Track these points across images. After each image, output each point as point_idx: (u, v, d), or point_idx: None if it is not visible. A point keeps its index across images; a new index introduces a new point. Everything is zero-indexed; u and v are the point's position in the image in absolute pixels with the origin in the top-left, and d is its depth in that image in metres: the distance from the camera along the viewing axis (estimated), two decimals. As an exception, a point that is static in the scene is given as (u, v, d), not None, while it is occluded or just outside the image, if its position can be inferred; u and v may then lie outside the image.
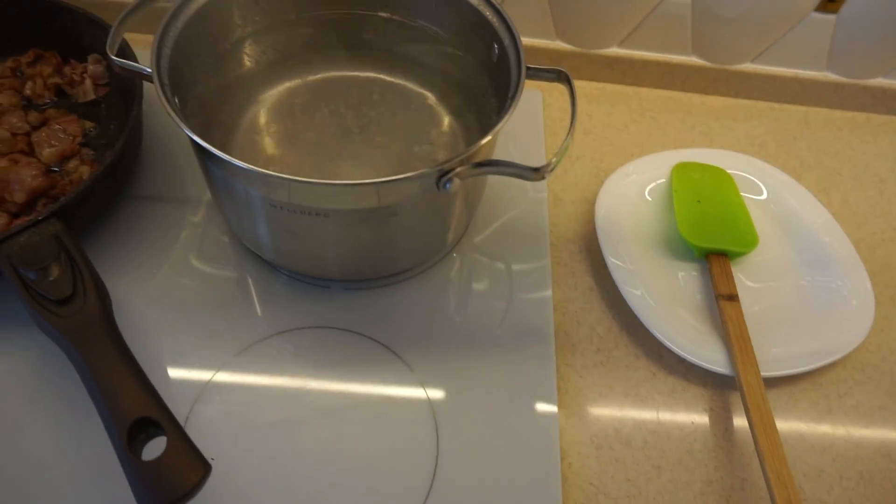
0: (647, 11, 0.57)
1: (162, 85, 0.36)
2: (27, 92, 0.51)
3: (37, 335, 0.36)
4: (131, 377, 0.33)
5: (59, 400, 0.39)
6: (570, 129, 0.39)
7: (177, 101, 0.38)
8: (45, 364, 0.40)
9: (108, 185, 0.45)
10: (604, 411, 0.43)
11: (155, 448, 0.31)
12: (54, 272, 0.36)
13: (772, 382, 0.45)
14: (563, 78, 0.41)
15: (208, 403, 0.40)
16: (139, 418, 0.31)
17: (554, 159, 0.37)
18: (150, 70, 0.37)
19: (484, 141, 0.36)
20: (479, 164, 0.37)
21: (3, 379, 0.40)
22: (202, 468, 0.30)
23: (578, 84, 0.57)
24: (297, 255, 0.43)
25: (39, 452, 0.38)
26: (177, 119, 0.35)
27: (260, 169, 0.34)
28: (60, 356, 0.35)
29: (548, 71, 0.41)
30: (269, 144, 0.47)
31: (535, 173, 0.37)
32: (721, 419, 0.43)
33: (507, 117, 0.37)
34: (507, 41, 0.42)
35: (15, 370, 0.40)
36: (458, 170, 0.36)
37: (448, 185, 0.37)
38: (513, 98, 0.39)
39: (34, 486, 0.36)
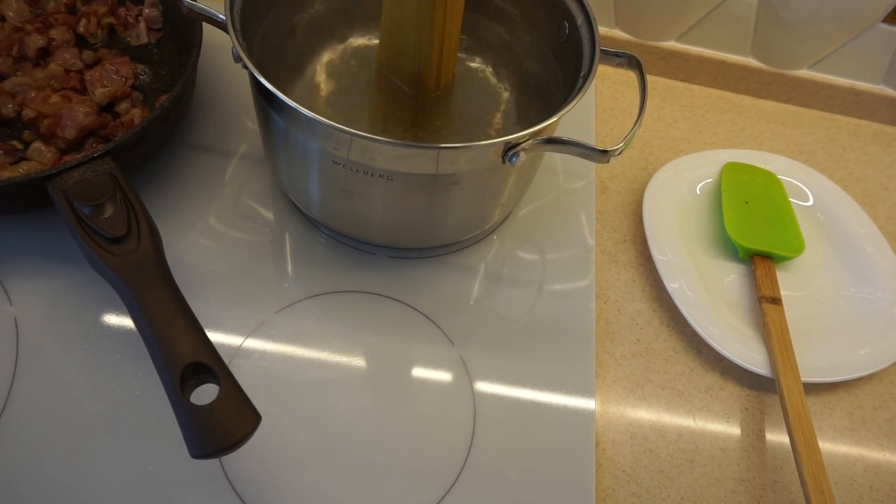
0: (711, 8, 0.57)
1: (235, 31, 0.36)
2: (80, 29, 0.50)
3: (88, 273, 0.36)
4: (185, 321, 0.32)
5: (109, 341, 0.39)
6: (638, 117, 0.39)
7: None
8: (95, 303, 0.40)
9: (161, 129, 0.44)
10: (640, 402, 0.43)
11: (204, 395, 0.31)
12: (108, 209, 0.36)
13: (808, 388, 0.45)
14: (633, 64, 0.41)
15: (246, 358, 0.40)
16: (192, 363, 0.31)
17: (622, 144, 0.37)
18: (223, 17, 0.36)
19: (556, 117, 0.36)
20: (548, 141, 0.36)
21: (53, 317, 0.40)
22: (254, 417, 0.30)
23: (630, 75, 0.56)
24: (348, 216, 0.42)
25: (87, 395, 0.37)
26: (250, 66, 0.34)
27: (326, 121, 0.33)
28: (110, 295, 0.35)
29: (619, 55, 0.41)
30: (322, 103, 0.47)
31: (602, 155, 0.37)
32: (756, 420, 0.43)
33: (579, 97, 0.37)
34: (580, 20, 0.41)
35: (65, 308, 0.40)
36: (526, 144, 0.36)
37: (514, 159, 0.36)
38: (585, 78, 0.38)
39: (84, 427, 0.36)
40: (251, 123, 0.51)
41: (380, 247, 0.46)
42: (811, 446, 0.39)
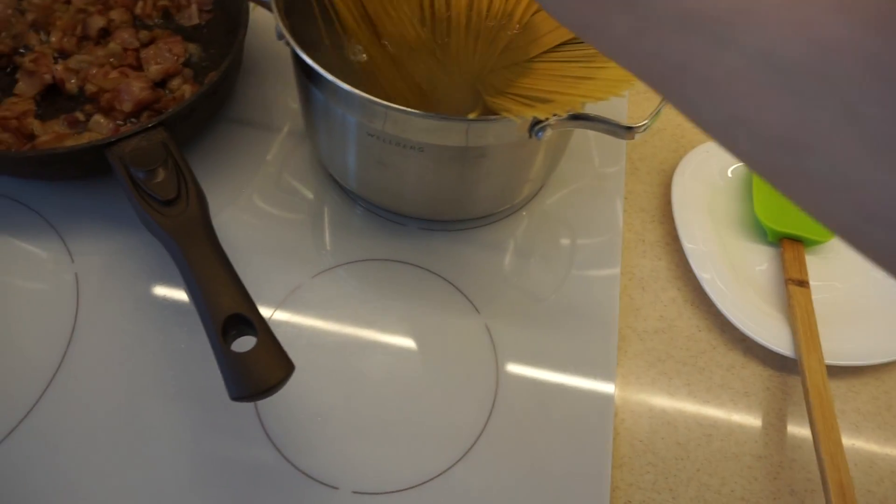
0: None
1: (279, 10, 0.38)
2: (137, 11, 0.54)
3: (142, 236, 0.39)
4: (227, 277, 0.35)
5: (159, 297, 0.42)
6: (665, 93, 0.39)
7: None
8: (148, 263, 0.43)
9: (209, 104, 0.47)
10: (660, 376, 0.44)
11: (243, 345, 0.33)
12: (161, 175, 0.39)
13: (833, 371, 0.44)
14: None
15: (283, 318, 0.42)
16: (232, 314, 0.33)
17: (647, 121, 0.38)
18: (268, -5, 0.39)
19: (582, 93, 0.37)
20: (575, 117, 0.38)
21: (110, 275, 0.43)
22: (288, 365, 0.32)
23: (667, 57, 0.56)
24: (382, 188, 0.44)
25: (139, 345, 0.41)
26: (292, 42, 0.36)
27: (363, 94, 0.35)
28: (162, 257, 0.38)
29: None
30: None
31: (628, 132, 0.38)
32: (777, 399, 0.43)
33: (607, 72, 0.38)
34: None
35: (121, 267, 0.44)
36: (553, 120, 0.37)
37: (540, 134, 0.38)
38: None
39: (135, 375, 0.40)
40: (293, 102, 0.54)
41: (412, 218, 0.48)
42: (830, 425, 0.39)
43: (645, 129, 0.37)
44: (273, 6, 0.38)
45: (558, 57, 0.43)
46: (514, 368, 0.42)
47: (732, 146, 0.20)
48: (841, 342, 0.44)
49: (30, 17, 0.51)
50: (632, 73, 0.22)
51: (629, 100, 0.57)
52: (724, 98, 0.19)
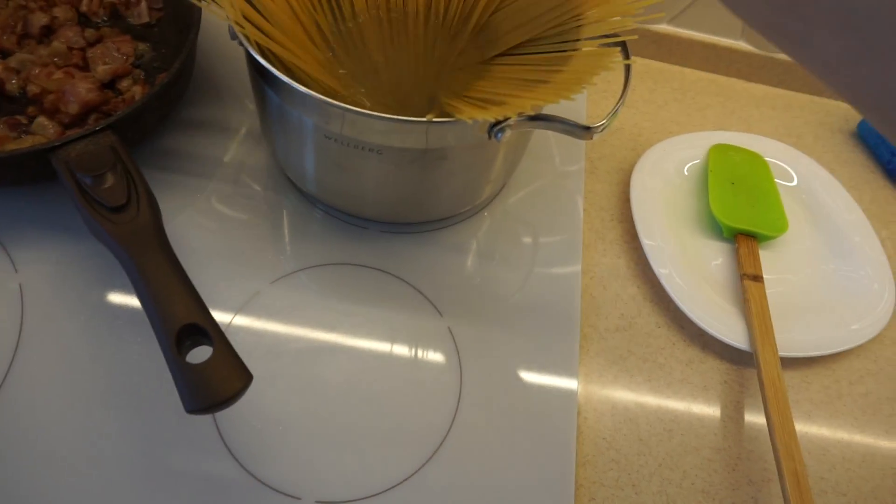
0: (702, -10, 0.57)
1: (232, 9, 0.37)
2: (83, 8, 0.52)
3: (90, 244, 0.38)
4: (181, 285, 0.34)
5: (109, 308, 0.41)
6: (622, 94, 0.40)
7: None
8: (96, 272, 0.42)
9: (161, 106, 0.46)
10: (622, 373, 0.44)
11: (199, 356, 0.32)
12: (109, 180, 0.37)
13: (787, 363, 0.46)
14: (619, 42, 0.42)
15: (242, 326, 0.41)
16: (186, 325, 0.32)
17: (605, 121, 0.38)
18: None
19: (540, 94, 0.37)
20: (533, 118, 0.38)
21: (56, 285, 0.41)
22: (245, 376, 0.31)
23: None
24: (341, 191, 0.44)
25: (88, 358, 0.39)
26: (245, 44, 0.35)
27: (319, 96, 0.35)
28: (111, 265, 0.37)
29: (606, 34, 0.42)
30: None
31: (586, 132, 0.38)
32: (734, 392, 0.44)
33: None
34: (567, 1, 0.42)
35: (68, 276, 0.42)
36: (511, 121, 0.37)
37: (500, 135, 0.38)
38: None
39: (85, 390, 0.38)
40: (249, 104, 0.52)
41: (373, 221, 0.47)
42: (784, 416, 0.40)
43: (603, 130, 0.38)
44: (225, 3, 0.37)
45: (514, 60, 0.43)
46: (477, 369, 0.42)
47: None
48: (794, 334, 0.46)
49: (-35, 14, 0.49)
50: (843, 98, 0.20)
51: (588, 100, 0.57)
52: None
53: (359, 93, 0.42)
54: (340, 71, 0.43)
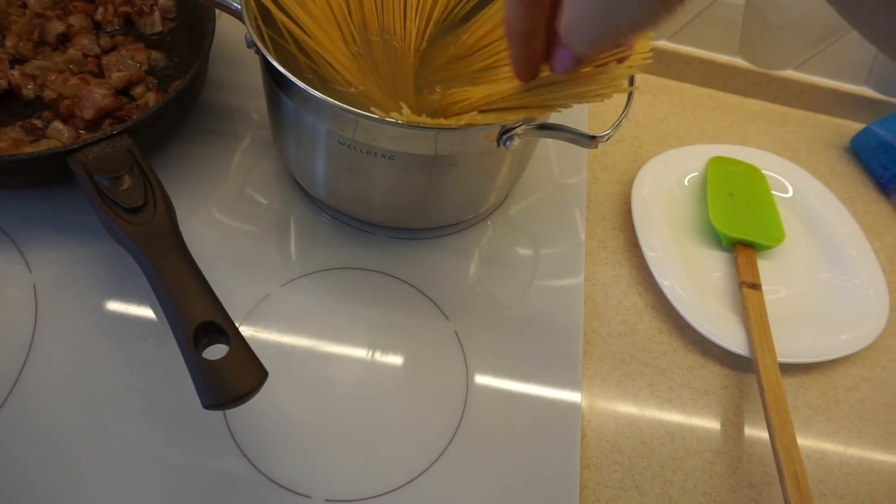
0: (701, 10, 0.59)
1: (251, 18, 0.38)
2: (98, 17, 0.53)
3: (102, 245, 0.38)
4: (198, 284, 0.35)
5: (122, 308, 0.41)
6: (625, 106, 0.41)
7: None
8: (109, 273, 0.42)
9: (175, 112, 0.47)
10: (625, 377, 0.45)
11: (214, 353, 0.33)
12: (126, 182, 0.38)
13: (785, 369, 0.47)
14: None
15: (252, 327, 0.42)
16: (204, 322, 0.33)
17: (609, 131, 0.39)
18: (238, 5, 0.39)
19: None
20: (541, 126, 0.39)
21: (69, 285, 0.42)
22: (261, 372, 0.32)
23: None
24: (351, 197, 0.45)
25: (100, 357, 0.40)
26: (263, 49, 0.37)
27: (334, 102, 0.35)
28: (123, 266, 0.37)
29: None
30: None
31: (591, 141, 0.39)
32: (734, 397, 0.45)
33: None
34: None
35: (81, 277, 0.42)
36: (520, 129, 0.38)
37: (508, 143, 0.39)
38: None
39: (97, 389, 0.38)
40: (256, 112, 0.53)
41: (380, 227, 0.48)
42: (784, 419, 0.41)
43: (608, 139, 0.39)
44: (245, 15, 0.38)
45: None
46: (483, 374, 0.42)
47: None
48: (792, 341, 0.47)
49: (-18, 21, 0.50)
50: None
51: (588, 112, 0.59)
52: None
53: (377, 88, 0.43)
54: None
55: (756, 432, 0.44)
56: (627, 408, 0.44)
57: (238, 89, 0.54)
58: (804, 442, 0.44)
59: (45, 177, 0.43)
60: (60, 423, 0.37)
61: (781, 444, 0.40)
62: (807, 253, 0.54)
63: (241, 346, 0.32)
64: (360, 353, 0.42)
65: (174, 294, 0.34)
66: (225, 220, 0.47)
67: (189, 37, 0.53)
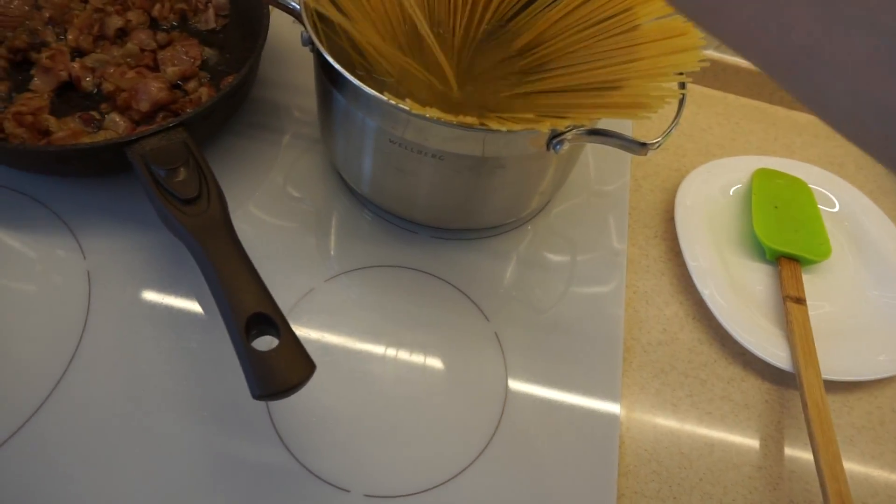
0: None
1: (310, 17, 0.39)
2: (154, 13, 0.54)
3: (154, 234, 0.39)
4: (250, 275, 0.35)
5: (172, 296, 0.42)
6: (677, 114, 0.41)
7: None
8: (161, 262, 0.44)
9: (227, 106, 0.48)
10: (664, 387, 0.45)
11: (263, 345, 0.33)
12: (182, 174, 0.39)
13: (828, 386, 0.46)
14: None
15: (296, 320, 0.43)
16: (255, 313, 0.34)
17: (660, 139, 0.39)
18: (296, 4, 0.40)
19: (600, 109, 0.38)
20: (591, 132, 0.39)
21: (122, 272, 0.43)
22: (310, 365, 0.32)
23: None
24: (397, 194, 0.45)
25: (150, 344, 0.41)
26: (320, 46, 0.37)
27: (387, 99, 0.36)
28: (175, 255, 0.38)
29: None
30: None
31: (642, 147, 0.39)
32: (775, 412, 0.45)
33: (622, 90, 0.39)
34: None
35: (133, 265, 0.43)
36: (570, 134, 0.38)
37: (558, 147, 0.39)
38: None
39: (146, 374, 0.39)
40: (298, 109, 0.54)
41: (422, 226, 0.48)
42: (828, 437, 0.41)
43: (658, 146, 0.39)
44: (303, 14, 0.39)
45: (564, 73, 0.44)
46: (522, 376, 0.42)
47: (858, 132, 0.19)
48: (836, 358, 0.46)
49: (46, 13, 0.51)
50: (748, 59, 0.21)
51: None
52: (858, 81, 0.18)
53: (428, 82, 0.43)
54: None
55: (797, 449, 0.43)
56: (666, 417, 0.43)
57: (283, 87, 0.55)
58: (848, 462, 0.43)
59: (103, 166, 0.44)
60: (108, 408, 0.38)
61: (826, 461, 0.40)
62: (852, 269, 0.53)
63: (290, 339, 0.33)
64: (400, 350, 0.43)
65: (227, 284, 0.35)
66: (268, 215, 0.48)
67: (241, 34, 0.55)
